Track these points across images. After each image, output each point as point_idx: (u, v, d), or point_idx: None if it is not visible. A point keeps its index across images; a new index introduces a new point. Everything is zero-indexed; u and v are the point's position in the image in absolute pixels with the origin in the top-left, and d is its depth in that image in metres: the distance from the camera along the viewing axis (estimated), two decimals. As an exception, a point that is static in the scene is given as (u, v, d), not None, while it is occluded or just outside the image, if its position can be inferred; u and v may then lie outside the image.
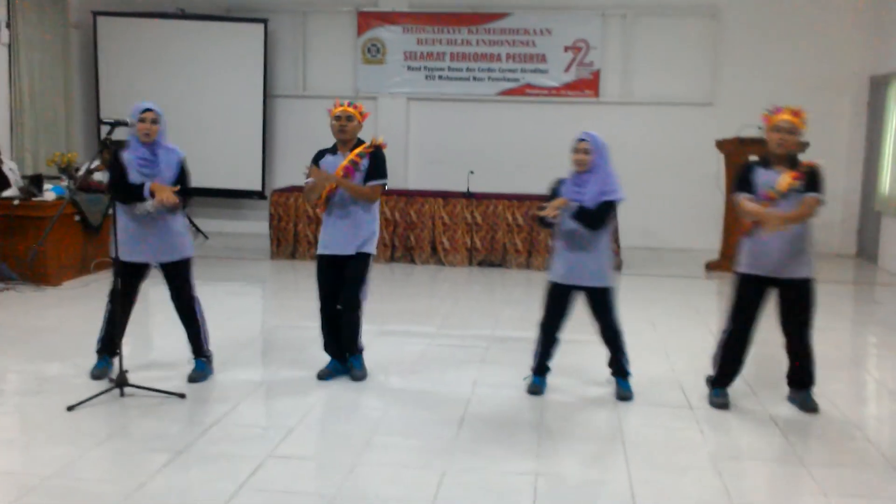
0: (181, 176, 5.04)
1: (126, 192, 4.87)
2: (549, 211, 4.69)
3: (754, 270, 4.73)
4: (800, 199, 4.55)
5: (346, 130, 5.08)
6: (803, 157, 4.74)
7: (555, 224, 4.80)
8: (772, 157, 4.68)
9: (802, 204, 4.54)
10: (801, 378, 4.87)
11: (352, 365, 5.26)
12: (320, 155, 5.18)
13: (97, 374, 5.11)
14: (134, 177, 4.89)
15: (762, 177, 4.64)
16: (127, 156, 4.91)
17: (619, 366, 5.04)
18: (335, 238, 5.12)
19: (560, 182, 4.93)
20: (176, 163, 5.02)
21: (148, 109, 4.90)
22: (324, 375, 5.23)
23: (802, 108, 4.68)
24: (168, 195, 4.85)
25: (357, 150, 5.08)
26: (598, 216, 4.77)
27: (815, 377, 4.86)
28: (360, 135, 5.20)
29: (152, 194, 4.86)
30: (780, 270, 4.67)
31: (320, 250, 5.20)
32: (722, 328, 4.93)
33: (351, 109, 5.10)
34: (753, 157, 4.98)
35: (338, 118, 5.08)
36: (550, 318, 4.99)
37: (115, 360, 4.88)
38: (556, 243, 4.96)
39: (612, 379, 5.09)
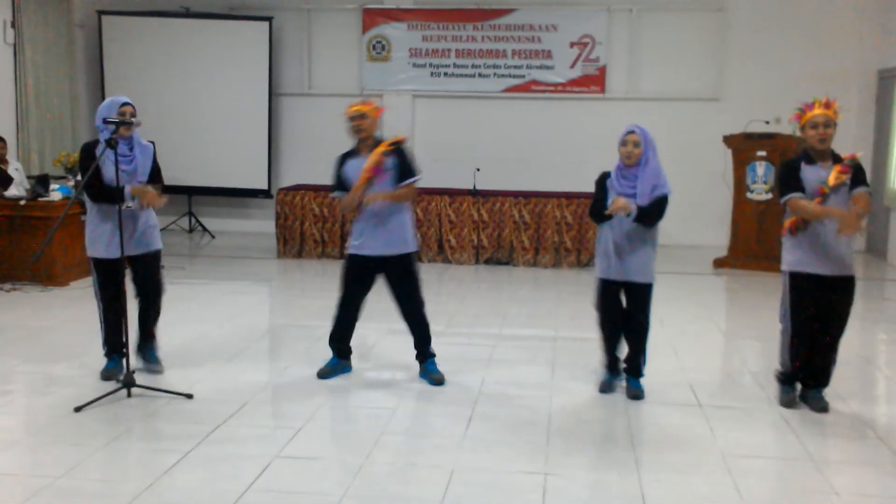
0: (155, 169, 5.10)
1: (107, 195, 4.89)
2: (616, 210, 4.62)
3: (804, 268, 4.64)
4: (846, 194, 4.51)
5: (363, 129, 5.04)
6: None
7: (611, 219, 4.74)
8: (812, 152, 4.61)
9: (859, 200, 4.48)
10: (820, 378, 4.82)
11: (427, 369, 5.23)
12: (343, 160, 5.14)
13: (107, 375, 5.10)
14: (110, 173, 4.83)
15: (810, 174, 4.58)
16: (102, 153, 4.85)
17: (636, 364, 5.00)
18: (374, 239, 5.06)
19: (607, 175, 4.86)
20: (150, 156, 5.07)
21: (127, 103, 4.91)
22: (324, 373, 5.21)
23: (832, 98, 4.64)
24: (154, 198, 4.94)
25: (379, 150, 5.02)
26: (657, 212, 4.73)
27: (831, 378, 4.83)
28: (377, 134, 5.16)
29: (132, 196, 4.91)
30: (831, 267, 4.60)
31: (355, 251, 5.13)
32: (782, 328, 4.84)
33: (363, 107, 5.07)
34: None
35: (352, 118, 5.06)
36: (607, 314, 4.96)
37: (125, 360, 4.89)
38: (604, 240, 4.87)
39: (624, 377, 5.06)
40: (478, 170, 9.76)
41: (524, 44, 11.34)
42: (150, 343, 5.32)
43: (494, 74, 11.46)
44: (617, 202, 4.63)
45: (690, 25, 11.10)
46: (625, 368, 5.05)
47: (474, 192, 9.60)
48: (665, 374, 5.38)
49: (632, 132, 4.74)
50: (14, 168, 8.55)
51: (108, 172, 4.86)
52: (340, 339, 5.28)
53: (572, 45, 11.25)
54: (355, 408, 4.80)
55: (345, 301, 5.22)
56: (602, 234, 4.89)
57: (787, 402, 4.81)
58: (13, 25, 9.56)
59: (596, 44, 11.21)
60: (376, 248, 5.06)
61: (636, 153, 4.71)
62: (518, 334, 6.50)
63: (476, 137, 11.41)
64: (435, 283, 8.62)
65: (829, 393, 4.84)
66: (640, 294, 4.89)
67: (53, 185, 8.19)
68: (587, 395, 4.99)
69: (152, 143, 5.21)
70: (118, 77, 11.20)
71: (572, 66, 11.28)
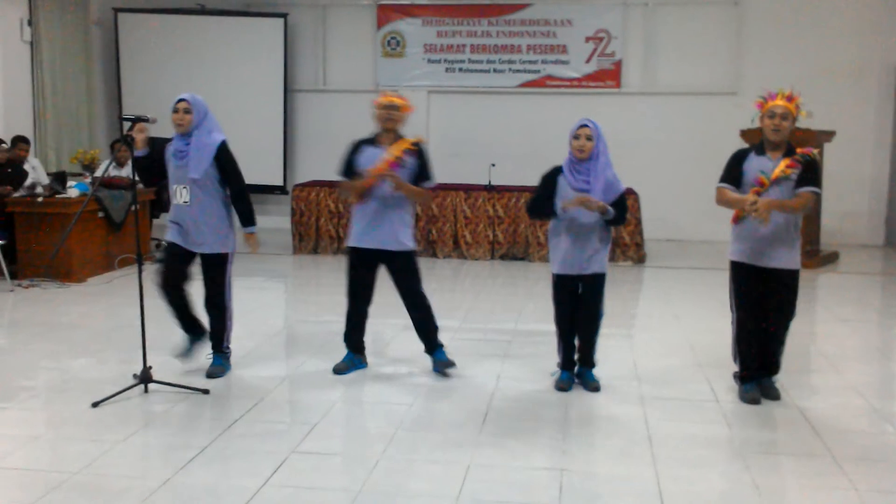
0: (219, 163, 4.97)
1: (144, 171, 5.06)
2: (576, 205, 4.62)
3: (742, 258, 4.69)
4: (791, 190, 4.50)
5: (392, 118, 5.04)
6: (801, 146, 4.65)
7: (562, 217, 4.73)
8: (766, 143, 4.62)
9: (798, 197, 4.49)
10: (770, 365, 4.81)
11: (437, 359, 5.24)
12: (358, 145, 5.14)
13: (181, 352, 5.20)
14: (170, 168, 4.98)
15: (754, 163, 4.60)
16: (168, 148, 5.00)
17: (590, 356, 4.99)
18: (372, 231, 5.06)
19: (558, 171, 4.82)
20: (211, 150, 4.95)
21: (181, 100, 4.95)
22: (341, 369, 5.22)
23: (799, 93, 4.61)
24: (253, 245, 5.19)
25: (402, 145, 5.03)
26: (625, 209, 4.79)
27: (781, 366, 4.83)
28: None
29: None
30: (765, 259, 4.62)
31: (354, 242, 5.14)
32: (731, 319, 4.86)
33: (398, 99, 5.08)
34: (744, 146, 4.92)
35: (385, 107, 5.05)
36: (563, 310, 4.95)
37: (202, 338, 5.14)
38: (559, 236, 4.84)
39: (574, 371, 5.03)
40: (493, 165, 9.75)
41: (539, 39, 11.31)
42: (214, 353, 5.25)
43: (509, 70, 11.45)
44: (578, 198, 4.62)
45: (706, 19, 11.03)
46: (579, 359, 5.01)
47: (489, 188, 9.58)
48: (682, 369, 5.35)
49: (584, 125, 4.72)
50: (31, 166, 8.61)
51: (169, 168, 5.01)
52: (353, 333, 5.29)
53: (587, 39, 11.21)
54: (371, 403, 4.80)
55: (351, 294, 5.22)
56: (556, 229, 4.85)
57: (751, 399, 4.75)
58: (30, 23, 9.62)
59: (611, 38, 11.16)
60: (372, 241, 5.07)
61: (589, 146, 4.69)
62: (534, 329, 6.49)
63: (491, 133, 11.40)
64: (450, 278, 8.61)
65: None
66: (596, 285, 4.87)
67: (71, 182, 8.24)
68: (603, 391, 4.97)
69: (223, 140, 5.05)
70: (134, 74, 11.26)
71: (588, 61, 11.25)
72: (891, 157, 10.57)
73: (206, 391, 4.79)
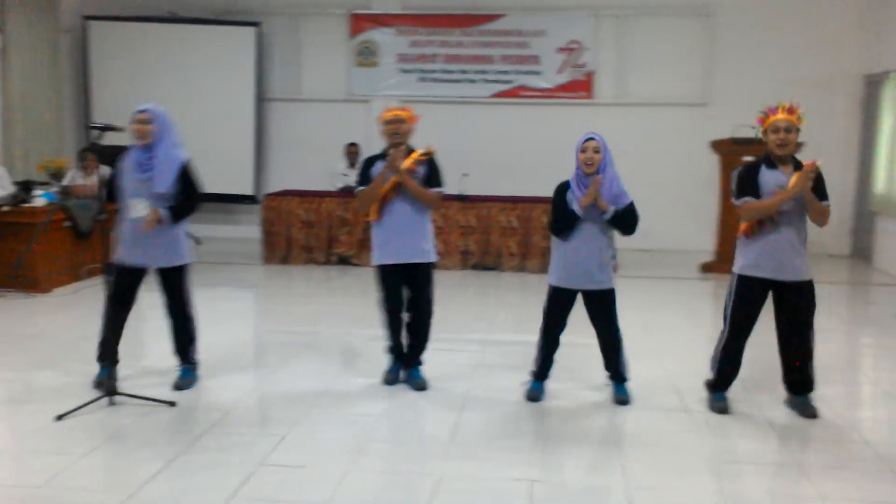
0: (182, 181, 4.92)
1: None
2: (590, 196, 4.61)
3: (756, 272, 4.64)
4: (803, 204, 4.52)
5: (399, 133, 5.02)
6: (799, 157, 4.70)
7: (579, 220, 4.70)
8: (774, 157, 4.62)
9: (818, 204, 4.51)
10: (805, 385, 4.79)
11: (412, 375, 5.22)
12: (370, 162, 5.13)
13: (99, 382, 4.98)
14: (128, 180, 4.85)
15: (769, 177, 4.57)
16: (125, 161, 4.88)
17: (619, 370, 4.98)
18: (399, 246, 5.04)
19: (567, 186, 4.81)
20: (176, 166, 4.90)
21: (142, 111, 4.85)
22: (391, 381, 5.21)
23: (797, 103, 4.63)
24: (148, 221, 4.81)
25: (413, 157, 5.03)
26: (633, 217, 4.77)
27: (815, 382, 4.82)
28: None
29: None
30: (783, 272, 4.60)
31: (383, 260, 5.10)
32: (721, 331, 4.87)
33: (402, 112, 5.08)
34: (748, 158, 4.93)
35: (390, 122, 5.04)
36: (554, 323, 4.93)
37: (116, 368, 4.88)
38: (558, 245, 4.84)
39: (610, 383, 5.04)
40: (465, 175, 9.74)
41: (512, 49, 11.35)
42: (180, 365, 5.19)
43: (482, 80, 11.47)
44: (592, 187, 4.61)
45: (677, 30, 11.13)
46: (609, 375, 5.02)
47: (462, 198, 9.58)
48: (652, 379, 5.37)
49: (591, 139, 4.72)
50: (-4, 174, 8.49)
51: (124, 180, 4.89)
52: (394, 346, 5.26)
53: (560, 50, 11.27)
54: (341, 415, 4.76)
55: (387, 310, 5.18)
56: (562, 243, 4.82)
57: (720, 408, 4.77)
58: (-2, 30, 9.50)
59: (583, 49, 11.23)
60: (398, 255, 5.05)
61: (596, 159, 4.69)
62: (505, 340, 6.48)
63: (464, 143, 11.38)
64: (422, 288, 8.59)
65: (813, 398, 4.83)
66: (608, 300, 4.87)
67: (37, 191, 8.13)
68: (574, 401, 4.97)
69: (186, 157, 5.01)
70: (104, 82, 11.15)
71: (560, 72, 11.30)
72: (857, 169, 10.72)
73: (172, 403, 4.73)
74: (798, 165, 4.57)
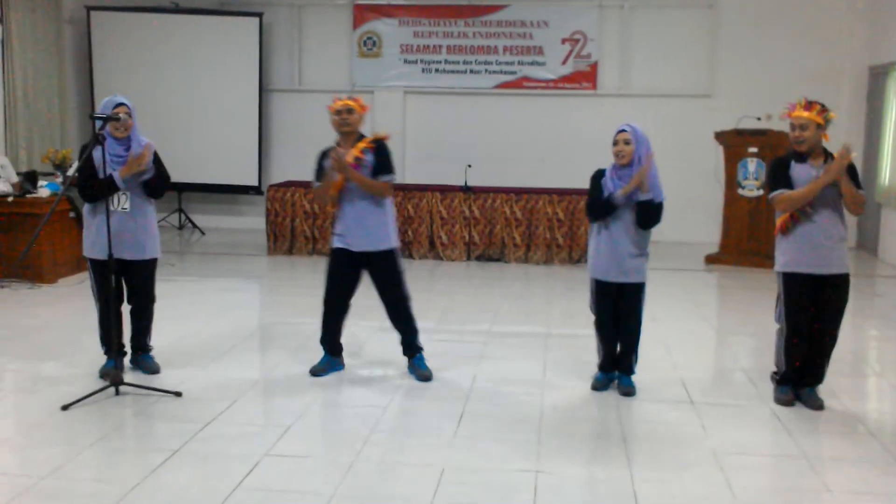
0: (155, 166, 4.98)
1: (98, 190, 4.79)
2: (634, 183, 4.60)
3: (799, 268, 4.61)
4: (837, 195, 4.51)
5: (348, 123, 5.04)
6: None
7: (619, 206, 4.69)
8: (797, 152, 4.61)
9: (853, 190, 4.49)
10: (816, 376, 4.79)
11: (416, 365, 5.22)
12: (324, 154, 5.13)
13: (105, 373, 5.00)
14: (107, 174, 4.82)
15: (800, 171, 4.56)
16: (99, 155, 4.78)
17: (628, 362, 4.98)
18: (352, 233, 5.05)
19: (602, 173, 4.81)
20: (151, 152, 4.93)
21: (121, 104, 4.83)
22: (318, 371, 5.19)
23: (818, 100, 4.61)
24: (138, 161, 4.80)
25: (360, 145, 5.03)
26: (658, 216, 4.74)
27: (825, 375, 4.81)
28: (360, 130, 5.16)
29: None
30: (825, 266, 4.58)
31: (336, 243, 5.13)
32: (777, 329, 4.82)
33: (350, 102, 5.07)
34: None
35: (338, 112, 5.05)
36: (599, 313, 4.95)
37: (124, 359, 4.94)
38: (599, 241, 4.83)
39: (616, 374, 5.04)
40: (469, 166, 9.73)
41: (516, 40, 11.31)
42: (140, 354, 5.24)
43: (486, 71, 11.43)
44: (637, 175, 4.60)
45: (682, 22, 11.09)
46: (617, 366, 5.02)
47: (466, 189, 9.57)
48: (657, 370, 5.36)
49: (623, 130, 4.72)
50: (0, 165, 8.48)
51: (102, 173, 4.82)
52: (330, 335, 5.25)
53: (564, 41, 11.23)
54: (345, 406, 4.77)
55: (330, 296, 5.18)
56: (597, 234, 4.85)
57: (786, 401, 4.77)
58: (1, 21, 9.48)
59: (587, 40, 11.19)
60: (358, 244, 5.05)
61: (628, 150, 4.68)
62: (509, 331, 6.48)
63: (467, 134, 11.39)
64: (426, 279, 8.59)
65: (820, 390, 4.83)
66: (635, 294, 4.87)
67: (42, 182, 8.12)
68: (579, 392, 4.97)
69: (151, 143, 5.01)
70: (107, 73, 11.13)
71: (564, 63, 11.26)
72: (863, 161, 10.68)
73: (178, 393, 4.73)
74: (829, 157, 4.55)
